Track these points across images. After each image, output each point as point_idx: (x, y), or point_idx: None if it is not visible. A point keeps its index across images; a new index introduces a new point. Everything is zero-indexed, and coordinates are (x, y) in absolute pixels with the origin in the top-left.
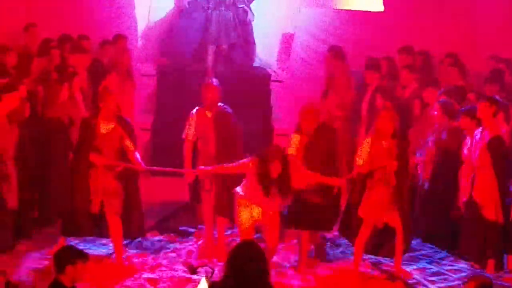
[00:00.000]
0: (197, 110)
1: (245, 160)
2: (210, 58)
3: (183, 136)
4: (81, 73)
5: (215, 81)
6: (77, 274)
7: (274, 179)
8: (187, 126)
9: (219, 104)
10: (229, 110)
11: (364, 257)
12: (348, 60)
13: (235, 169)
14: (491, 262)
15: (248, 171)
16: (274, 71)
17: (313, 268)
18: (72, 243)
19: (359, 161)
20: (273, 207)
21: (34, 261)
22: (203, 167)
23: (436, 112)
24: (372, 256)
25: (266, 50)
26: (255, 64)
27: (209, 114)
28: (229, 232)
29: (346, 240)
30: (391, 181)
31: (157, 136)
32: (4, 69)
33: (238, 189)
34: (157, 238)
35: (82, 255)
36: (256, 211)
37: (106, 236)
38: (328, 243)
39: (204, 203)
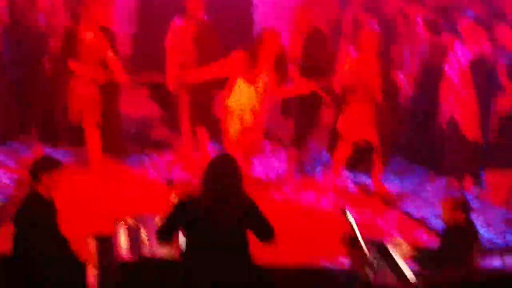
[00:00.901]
0: (180, 20)
1: (230, 56)
2: None
3: (166, 44)
4: None
5: None
6: (52, 183)
7: (267, 58)
8: (168, 37)
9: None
10: (211, 22)
11: (343, 172)
12: None
13: (217, 71)
14: (468, 180)
15: (233, 69)
16: None
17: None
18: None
19: (343, 75)
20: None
21: (11, 169)
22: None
23: (419, 29)
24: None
25: None
26: None
27: (192, 28)
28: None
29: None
30: (373, 99)
31: (138, 46)
32: None
33: (226, 99)
34: (134, 149)
35: (57, 163)
36: (248, 115)
37: (83, 145)
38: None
39: (181, 113)
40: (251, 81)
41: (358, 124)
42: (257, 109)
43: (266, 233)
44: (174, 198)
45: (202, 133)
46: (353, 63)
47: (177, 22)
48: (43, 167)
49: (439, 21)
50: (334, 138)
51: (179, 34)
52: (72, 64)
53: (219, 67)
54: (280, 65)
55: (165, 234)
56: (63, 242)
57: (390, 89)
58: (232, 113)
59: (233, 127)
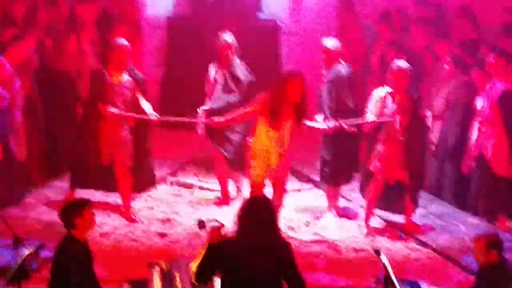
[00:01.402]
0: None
1: (256, 98)
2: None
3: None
4: (89, 25)
5: (229, 36)
6: (86, 224)
7: (289, 105)
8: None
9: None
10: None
11: (375, 212)
12: (360, 12)
13: (247, 114)
14: (502, 218)
15: (259, 110)
16: (283, 23)
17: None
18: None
19: (369, 114)
20: (290, 135)
21: (43, 214)
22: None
23: (447, 66)
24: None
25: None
26: (264, 16)
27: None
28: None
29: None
30: (402, 136)
31: (167, 90)
32: (12, 20)
33: (251, 139)
34: (166, 191)
35: (86, 202)
36: (273, 158)
37: (115, 189)
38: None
39: (216, 159)
40: (275, 124)
41: (389, 163)
42: (281, 152)
43: (298, 284)
44: (209, 241)
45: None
46: (382, 101)
47: (210, 70)
48: (74, 211)
49: (467, 58)
50: (365, 177)
51: (212, 81)
52: (102, 107)
53: (245, 111)
54: (302, 107)
55: (202, 277)
56: (99, 287)
57: (419, 127)
58: (256, 156)
59: (258, 170)
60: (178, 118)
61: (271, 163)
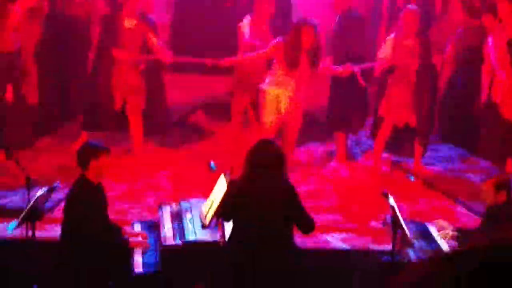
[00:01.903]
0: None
1: (273, 42)
2: None
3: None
4: None
5: None
6: (101, 169)
7: (304, 51)
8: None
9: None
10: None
11: (384, 155)
12: None
13: (261, 56)
14: (510, 161)
15: (274, 56)
16: None
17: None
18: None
19: (382, 57)
20: (302, 80)
21: (56, 157)
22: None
23: (458, 11)
24: (393, 155)
25: None
26: None
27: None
28: None
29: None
30: (412, 80)
31: (176, 34)
32: None
33: (263, 85)
34: (178, 135)
35: (104, 149)
36: (284, 103)
37: (127, 130)
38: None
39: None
40: (290, 70)
41: (399, 106)
42: (293, 97)
43: (307, 226)
44: (222, 180)
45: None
46: (392, 44)
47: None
48: (92, 153)
49: (477, 3)
50: (375, 122)
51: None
52: (115, 51)
53: (258, 53)
54: (315, 54)
55: (226, 214)
56: (111, 227)
57: (429, 71)
58: (267, 101)
59: (269, 117)
60: (193, 59)
61: (281, 107)
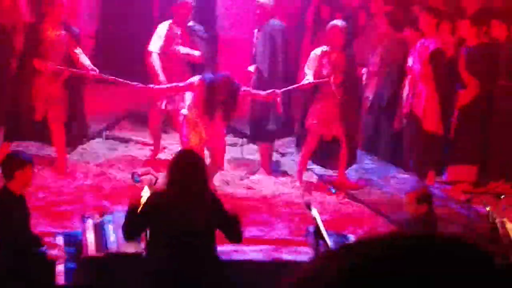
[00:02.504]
0: (167, 24)
1: (193, 79)
2: None
3: (150, 48)
4: None
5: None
6: (25, 180)
7: (219, 104)
8: (155, 38)
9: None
10: (200, 27)
11: (310, 167)
12: None
13: (184, 88)
14: (431, 173)
15: (195, 91)
16: None
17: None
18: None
19: (308, 73)
20: (218, 128)
21: None
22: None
23: (381, 24)
24: (318, 167)
25: None
26: None
27: (178, 31)
28: None
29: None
30: (338, 94)
31: (101, 43)
32: None
33: (184, 110)
34: (102, 146)
35: (30, 160)
36: (203, 130)
37: (49, 142)
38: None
39: (152, 115)
40: (206, 115)
41: (325, 120)
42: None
43: (233, 234)
44: (146, 191)
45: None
46: (318, 59)
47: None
48: (16, 164)
49: (400, 16)
50: (301, 133)
51: (165, 39)
52: (37, 62)
53: (183, 87)
54: (229, 107)
55: (131, 229)
56: (33, 238)
57: (354, 85)
58: (190, 126)
59: (192, 140)
60: (117, 79)
61: (202, 132)
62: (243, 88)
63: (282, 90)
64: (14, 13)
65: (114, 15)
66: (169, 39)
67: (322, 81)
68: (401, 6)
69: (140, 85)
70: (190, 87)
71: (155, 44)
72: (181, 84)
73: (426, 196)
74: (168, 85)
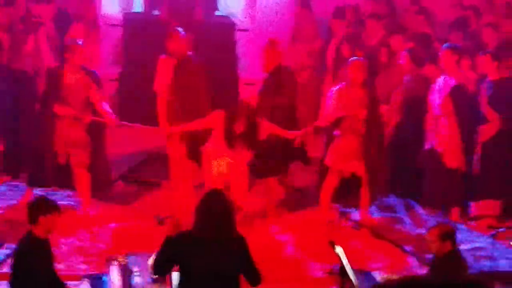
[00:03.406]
0: (163, 59)
1: (212, 114)
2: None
3: (154, 87)
4: (46, 23)
5: (180, 30)
6: (50, 225)
7: (239, 134)
8: (156, 77)
9: (188, 53)
10: (195, 58)
11: (332, 206)
12: (315, 8)
13: (202, 124)
14: (454, 210)
15: (214, 125)
16: (239, 20)
17: (281, 217)
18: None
19: (329, 110)
20: (239, 160)
21: (1, 212)
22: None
23: (402, 61)
24: (340, 206)
25: None
26: (219, 13)
27: (173, 63)
28: None
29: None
30: (360, 130)
31: (124, 87)
32: None
33: (206, 145)
34: (124, 189)
35: (56, 206)
36: (225, 166)
37: (73, 187)
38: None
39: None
40: (227, 146)
41: (345, 156)
42: (234, 163)
43: (255, 279)
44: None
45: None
46: (339, 95)
47: (161, 60)
48: (42, 209)
49: (421, 53)
50: (322, 172)
51: (164, 71)
52: (57, 107)
53: (202, 123)
54: (250, 137)
55: (158, 270)
56: (58, 283)
57: (376, 121)
58: (210, 161)
59: (212, 172)
60: (135, 125)
61: (223, 170)
62: (266, 123)
63: (306, 129)
64: (37, 58)
65: (136, 59)
66: (164, 73)
67: (344, 115)
68: (422, 43)
69: (161, 127)
70: (210, 122)
71: (157, 82)
72: (202, 120)
73: (449, 233)
74: (189, 124)
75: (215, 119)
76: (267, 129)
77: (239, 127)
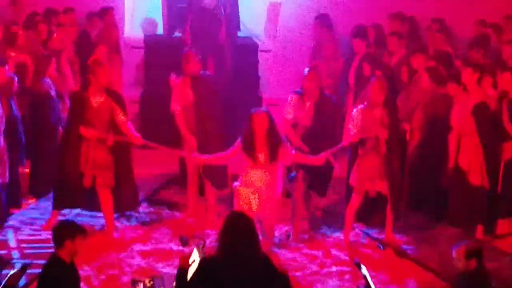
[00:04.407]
0: (179, 80)
1: (234, 147)
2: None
3: (171, 109)
4: (68, 47)
5: (193, 50)
6: (75, 249)
7: (261, 140)
8: (172, 98)
9: (201, 72)
10: (209, 77)
11: (355, 226)
12: (336, 28)
13: (226, 158)
14: (480, 228)
15: (236, 155)
16: (261, 41)
17: (306, 238)
18: (63, 217)
19: (352, 130)
20: (266, 179)
21: (27, 235)
22: (196, 154)
23: (422, 80)
24: (364, 226)
25: (252, 20)
26: (242, 34)
27: (188, 83)
28: None
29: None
30: (381, 149)
31: (146, 108)
32: None
33: (237, 183)
34: (148, 210)
35: (82, 230)
36: (255, 203)
37: (98, 209)
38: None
39: (190, 177)
40: (251, 158)
41: (370, 176)
42: (264, 193)
43: None
44: (195, 255)
45: (211, 193)
46: (360, 115)
47: (173, 81)
48: (68, 233)
49: (442, 72)
50: (348, 191)
51: (178, 91)
52: (82, 130)
53: (224, 157)
54: (273, 143)
55: None
56: None
57: (398, 140)
58: (240, 198)
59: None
60: (160, 146)
61: (253, 206)
62: (293, 150)
63: (330, 151)
64: (60, 81)
65: (157, 81)
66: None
67: (366, 135)
68: (443, 62)
69: (185, 153)
70: (234, 154)
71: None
72: (225, 153)
73: (475, 251)
74: (214, 155)
75: (235, 147)
76: (293, 157)
77: (259, 125)
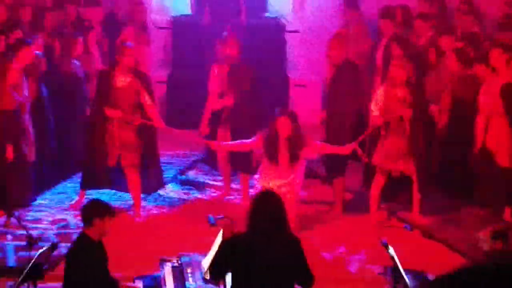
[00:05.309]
0: (216, 67)
1: (256, 138)
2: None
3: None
4: (96, 27)
5: (233, 35)
6: (104, 228)
7: (283, 143)
8: (210, 80)
9: (239, 58)
10: (246, 64)
11: (380, 206)
12: (363, 9)
13: (247, 146)
14: (508, 210)
15: (257, 147)
16: (288, 21)
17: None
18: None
19: (375, 111)
20: (285, 179)
21: (55, 214)
22: (218, 142)
23: (449, 61)
24: (390, 206)
25: (280, 0)
26: (269, 15)
27: (226, 69)
28: None
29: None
30: (406, 130)
31: (173, 89)
32: (19, 23)
33: (255, 179)
34: (175, 190)
35: (110, 209)
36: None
37: (125, 189)
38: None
39: (220, 158)
40: (273, 159)
41: (392, 156)
42: (283, 188)
43: (309, 281)
44: (221, 236)
45: (244, 179)
46: (383, 96)
47: (214, 67)
48: (97, 212)
49: (470, 52)
50: (368, 171)
51: (217, 78)
52: (108, 110)
53: (244, 143)
54: (295, 145)
55: (216, 274)
56: (113, 284)
57: (424, 120)
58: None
59: None
60: (181, 131)
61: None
62: (319, 142)
63: (358, 140)
64: (87, 62)
65: (184, 61)
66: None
67: (389, 116)
68: (472, 43)
69: (206, 140)
70: (254, 144)
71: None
72: (246, 141)
73: (501, 232)
74: (234, 142)
75: (258, 138)
76: (319, 149)
77: (283, 127)
